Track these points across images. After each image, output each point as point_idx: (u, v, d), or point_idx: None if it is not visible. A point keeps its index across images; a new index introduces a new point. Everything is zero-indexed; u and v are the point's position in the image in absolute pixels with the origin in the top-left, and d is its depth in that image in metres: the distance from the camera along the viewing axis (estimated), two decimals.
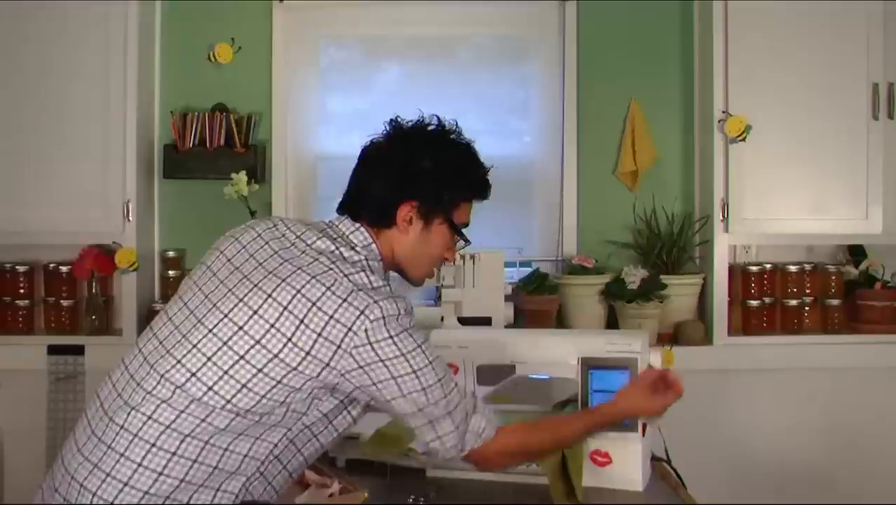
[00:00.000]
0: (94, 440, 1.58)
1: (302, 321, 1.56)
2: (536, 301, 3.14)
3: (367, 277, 1.62)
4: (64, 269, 3.17)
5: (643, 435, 1.96)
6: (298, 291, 1.58)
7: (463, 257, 2.94)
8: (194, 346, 1.58)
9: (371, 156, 1.79)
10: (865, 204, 3.09)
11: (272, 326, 1.57)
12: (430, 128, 1.78)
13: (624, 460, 1.94)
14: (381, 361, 1.58)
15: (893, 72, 3.08)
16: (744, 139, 3.05)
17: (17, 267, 3.19)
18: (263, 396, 1.56)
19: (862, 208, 3.09)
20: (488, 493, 1.94)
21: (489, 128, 3.40)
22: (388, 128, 1.80)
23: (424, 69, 3.40)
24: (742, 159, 3.08)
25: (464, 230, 1.81)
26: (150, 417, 1.55)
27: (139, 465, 1.53)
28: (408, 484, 1.96)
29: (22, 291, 3.19)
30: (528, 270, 3.24)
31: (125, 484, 1.53)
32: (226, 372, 1.55)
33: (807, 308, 3.22)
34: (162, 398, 1.56)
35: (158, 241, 3.30)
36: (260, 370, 1.56)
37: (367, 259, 1.69)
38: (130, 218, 3.09)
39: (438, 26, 3.40)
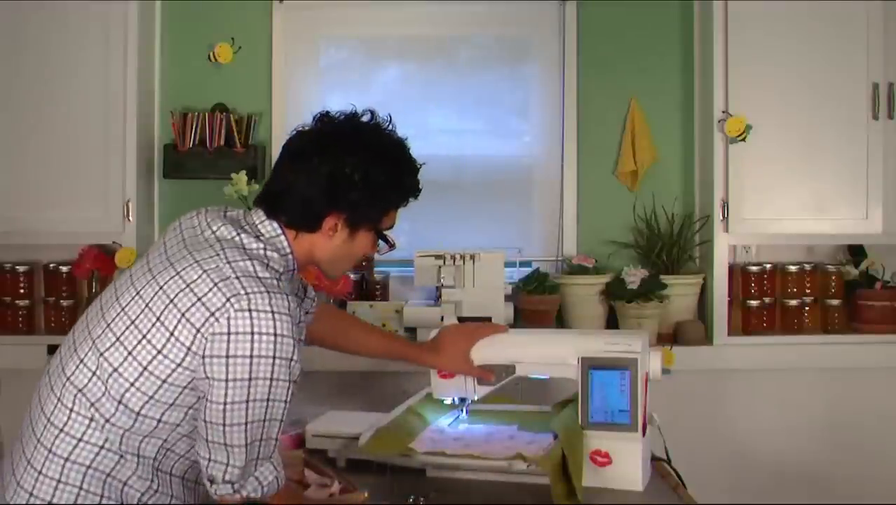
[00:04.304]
0: (28, 433, 1.60)
1: (172, 301, 1.53)
2: (536, 301, 3.14)
3: (254, 266, 1.55)
4: (64, 269, 3.17)
5: (643, 435, 1.96)
6: (178, 273, 1.56)
7: (463, 257, 2.95)
8: (108, 325, 1.58)
9: (297, 154, 1.68)
10: (865, 204, 3.08)
11: (146, 305, 1.55)
12: (363, 119, 1.69)
13: (624, 460, 1.94)
14: (229, 357, 1.49)
15: (893, 72, 3.08)
16: (744, 139, 3.05)
17: (17, 267, 3.18)
18: (155, 393, 1.54)
19: (862, 208, 3.09)
20: (488, 493, 1.94)
21: (489, 128, 3.40)
22: (316, 122, 1.70)
23: (424, 69, 3.40)
24: (742, 159, 3.08)
25: (390, 231, 1.76)
26: (70, 410, 1.57)
27: (66, 459, 1.54)
28: (408, 484, 1.96)
29: (22, 291, 3.18)
30: (528, 269, 3.24)
31: (58, 481, 1.54)
32: (129, 353, 1.54)
33: (807, 308, 3.22)
34: (78, 386, 1.57)
35: None
36: (131, 354, 1.54)
37: (265, 249, 1.61)
38: (130, 218, 3.09)
39: (438, 26, 3.39)
